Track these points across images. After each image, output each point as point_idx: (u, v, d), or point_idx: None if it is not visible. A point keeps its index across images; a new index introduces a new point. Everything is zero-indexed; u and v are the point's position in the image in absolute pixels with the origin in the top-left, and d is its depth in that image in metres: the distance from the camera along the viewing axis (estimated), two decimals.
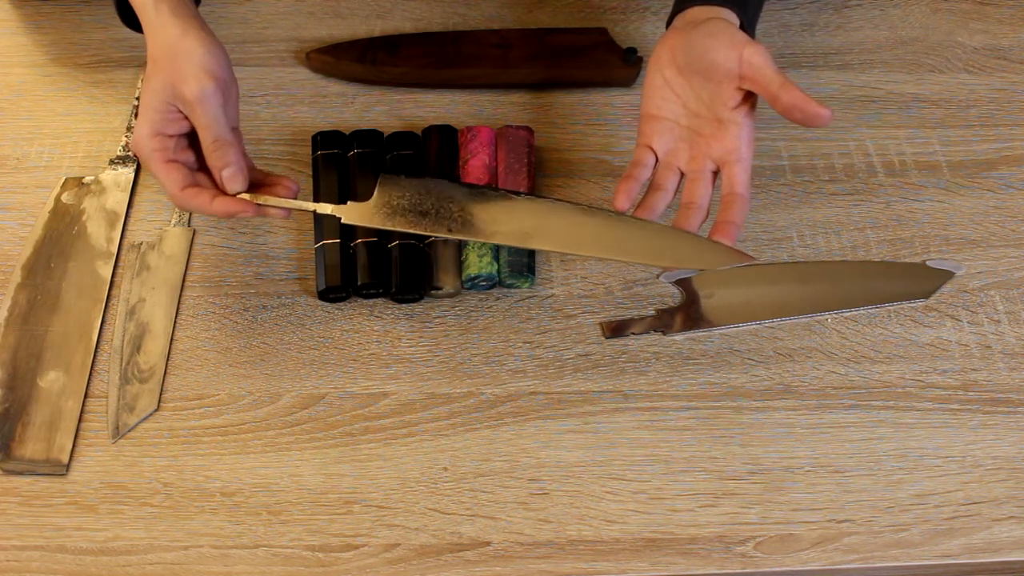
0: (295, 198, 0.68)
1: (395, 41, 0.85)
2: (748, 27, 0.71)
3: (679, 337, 0.73)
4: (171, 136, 0.66)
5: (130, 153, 0.79)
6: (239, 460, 0.66)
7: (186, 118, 0.66)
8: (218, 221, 0.76)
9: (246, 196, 0.66)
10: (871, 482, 0.67)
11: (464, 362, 0.71)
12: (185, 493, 0.65)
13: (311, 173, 0.78)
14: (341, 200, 0.75)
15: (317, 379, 0.70)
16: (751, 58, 0.66)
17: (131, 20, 0.73)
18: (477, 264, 0.72)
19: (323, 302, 0.73)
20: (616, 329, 0.72)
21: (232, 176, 0.65)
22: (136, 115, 0.81)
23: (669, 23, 0.73)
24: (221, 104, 0.65)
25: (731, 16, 0.70)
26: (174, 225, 0.76)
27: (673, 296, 0.74)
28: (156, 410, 0.68)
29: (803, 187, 0.80)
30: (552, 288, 0.74)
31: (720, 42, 0.67)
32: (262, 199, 0.66)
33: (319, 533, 0.64)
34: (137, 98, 0.82)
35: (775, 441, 0.68)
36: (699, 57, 0.67)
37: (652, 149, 0.70)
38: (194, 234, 0.76)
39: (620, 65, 0.84)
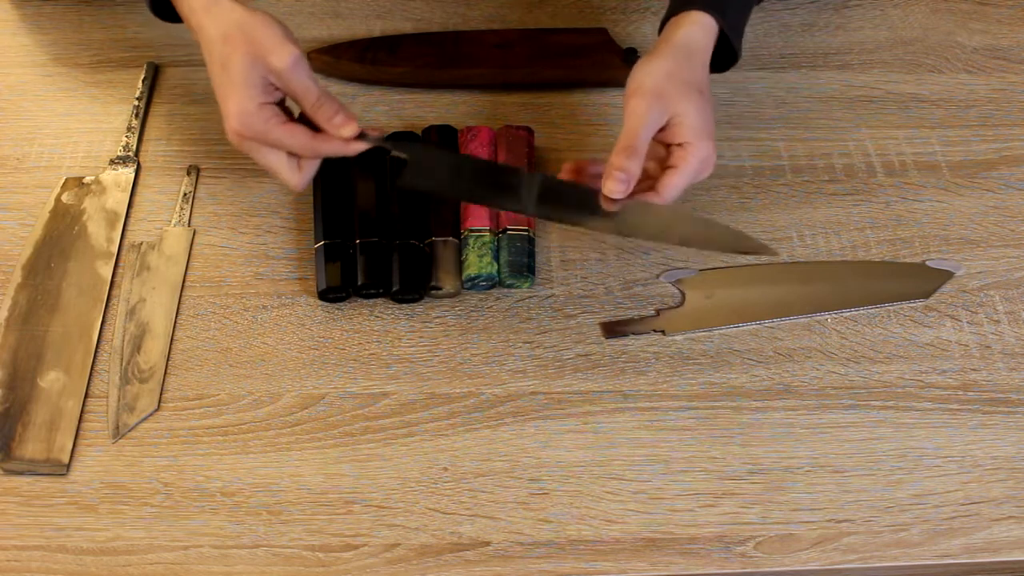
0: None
1: (395, 41, 0.85)
2: (731, 32, 0.72)
3: (679, 337, 0.73)
4: (273, 104, 0.67)
5: (130, 153, 0.79)
6: (239, 460, 0.66)
7: (277, 88, 0.67)
8: (219, 220, 0.76)
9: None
10: (871, 482, 0.67)
11: (464, 362, 0.71)
12: (185, 493, 0.65)
13: None
14: (341, 198, 0.75)
15: (317, 379, 0.70)
16: (626, 109, 0.68)
17: (162, 11, 0.73)
18: (477, 264, 0.72)
19: (323, 302, 0.73)
20: (616, 329, 0.73)
21: (344, 121, 0.68)
22: (137, 115, 0.81)
23: (662, 26, 0.73)
24: (308, 65, 0.67)
25: (704, 24, 0.71)
26: (174, 225, 0.76)
27: (673, 296, 0.74)
28: (156, 410, 0.68)
29: (803, 187, 0.80)
30: (552, 288, 0.74)
31: (629, 84, 0.69)
32: (373, 136, 0.69)
33: (319, 533, 0.64)
34: (138, 98, 0.82)
35: (775, 441, 0.68)
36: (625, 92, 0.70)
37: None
38: (194, 234, 0.76)
39: (620, 65, 0.84)
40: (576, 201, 0.69)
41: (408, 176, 0.70)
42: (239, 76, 0.66)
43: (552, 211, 0.70)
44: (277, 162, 0.69)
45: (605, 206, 0.68)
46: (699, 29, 0.71)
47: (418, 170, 0.69)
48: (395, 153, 0.70)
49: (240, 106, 0.66)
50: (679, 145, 0.69)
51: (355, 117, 0.68)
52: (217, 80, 0.67)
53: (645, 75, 0.69)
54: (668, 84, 0.68)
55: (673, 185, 0.69)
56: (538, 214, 0.71)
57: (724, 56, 0.74)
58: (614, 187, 0.67)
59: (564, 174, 0.72)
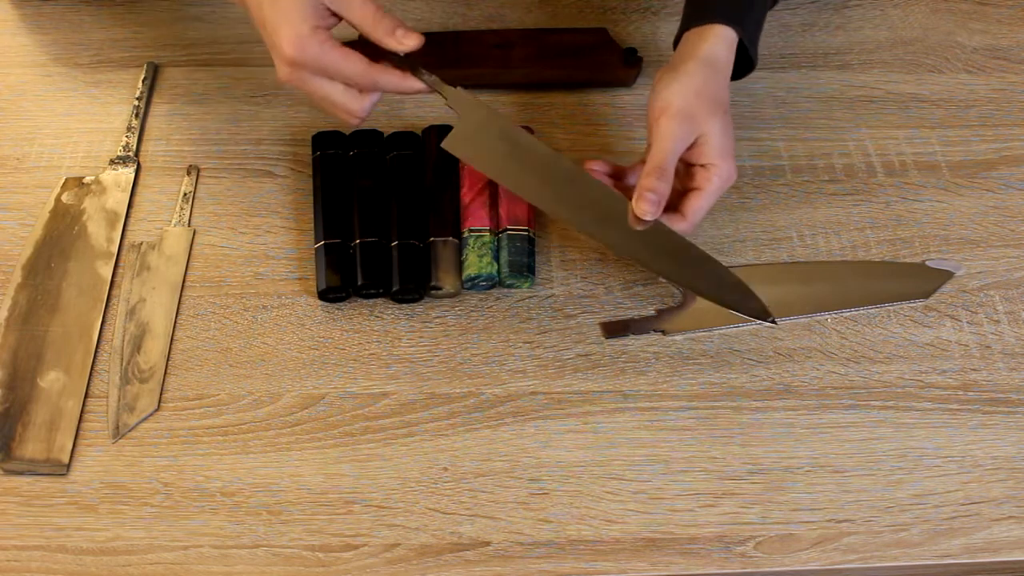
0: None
1: None
2: (749, 43, 0.72)
3: (679, 337, 0.73)
4: (327, 29, 0.66)
5: (130, 153, 0.79)
6: (239, 460, 0.66)
7: (332, 13, 0.66)
8: (219, 220, 0.76)
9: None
10: (871, 482, 0.67)
11: (464, 362, 0.71)
12: (185, 493, 0.65)
13: (311, 173, 0.78)
14: (341, 198, 0.75)
15: (317, 379, 0.70)
16: (654, 129, 0.68)
17: None
18: (477, 264, 0.72)
19: (323, 302, 0.73)
20: (616, 329, 0.73)
21: (406, 34, 0.66)
22: (137, 115, 0.81)
23: (678, 38, 0.73)
24: None
25: (726, 38, 0.70)
26: (174, 225, 0.76)
27: (673, 296, 0.74)
28: (156, 410, 0.68)
29: (803, 187, 0.80)
30: (552, 288, 0.74)
31: (655, 102, 0.69)
32: (427, 76, 0.68)
33: (319, 533, 0.64)
34: (138, 98, 0.82)
35: (775, 441, 0.68)
36: (648, 111, 0.70)
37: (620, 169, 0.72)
38: (194, 234, 0.76)
39: (620, 65, 0.84)
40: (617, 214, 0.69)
41: (457, 139, 0.69)
42: (290, 2, 0.65)
43: (595, 226, 0.69)
44: (333, 91, 0.67)
45: (634, 225, 0.68)
46: (722, 43, 0.70)
47: (469, 135, 0.69)
48: (449, 103, 0.69)
49: (295, 30, 0.65)
50: (702, 166, 0.69)
51: (419, 33, 0.67)
52: (267, 14, 0.65)
53: (674, 94, 0.68)
54: (697, 103, 0.68)
55: (699, 208, 0.69)
56: (584, 229, 0.71)
57: (738, 65, 0.74)
58: (647, 208, 0.67)
59: (595, 174, 0.71)
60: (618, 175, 0.73)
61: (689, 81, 0.69)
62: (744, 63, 0.74)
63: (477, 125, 0.70)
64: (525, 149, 0.71)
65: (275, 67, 0.67)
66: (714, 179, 0.69)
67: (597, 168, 0.72)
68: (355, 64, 0.66)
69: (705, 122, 0.68)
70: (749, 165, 0.81)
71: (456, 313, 0.73)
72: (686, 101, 0.68)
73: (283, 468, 0.66)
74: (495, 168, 0.70)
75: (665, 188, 0.67)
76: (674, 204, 0.70)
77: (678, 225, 0.69)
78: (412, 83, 0.68)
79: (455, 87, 0.70)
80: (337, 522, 0.64)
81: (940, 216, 0.79)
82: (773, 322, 0.70)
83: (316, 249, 0.73)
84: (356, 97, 0.68)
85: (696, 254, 0.70)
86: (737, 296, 0.69)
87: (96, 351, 0.70)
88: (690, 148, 0.69)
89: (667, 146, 0.67)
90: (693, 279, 0.70)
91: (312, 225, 0.75)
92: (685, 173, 0.71)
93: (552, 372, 0.71)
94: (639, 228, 0.68)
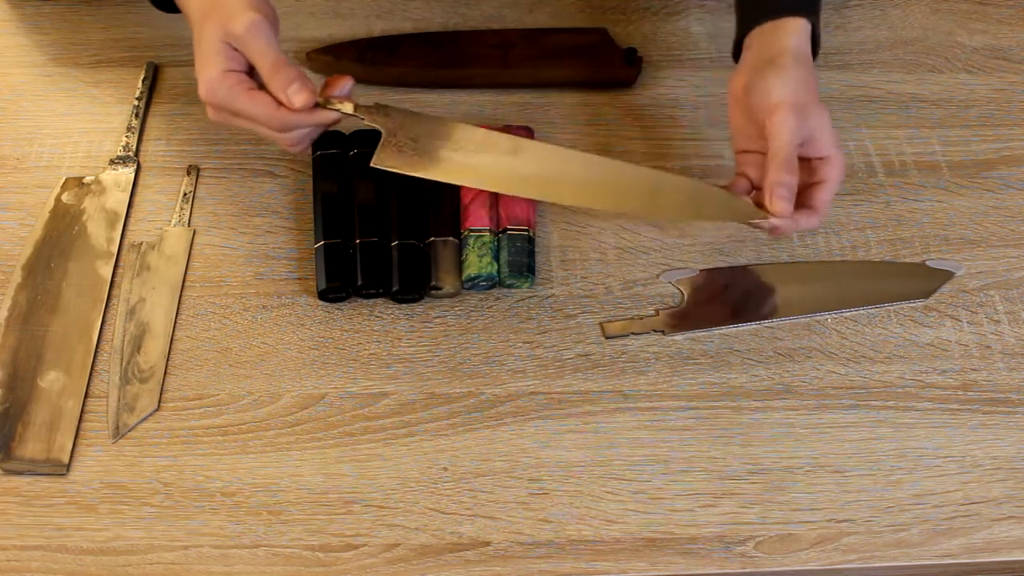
0: (350, 92, 0.70)
1: (395, 41, 0.85)
2: (816, 30, 0.72)
3: (679, 337, 0.73)
4: (239, 71, 0.67)
5: (130, 153, 0.79)
6: (239, 460, 0.66)
7: (243, 55, 0.67)
8: (219, 220, 0.76)
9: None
10: (871, 482, 0.67)
11: (464, 362, 0.71)
12: (185, 493, 0.65)
13: (311, 173, 0.77)
14: (341, 198, 0.75)
15: (317, 379, 0.70)
16: (771, 125, 0.68)
17: (163, 3, 0.74)
18: (477, 264, 0.72)
19: (323, 302, 0.73)
20: (616, 329, 0.73)
21: (298, 91, 0.66)
22: (137, 115, 0.81)
23: (745, 32, 0.73)
24: (270, 32, 0.66)
25: (805, 29, 0.70)
26: (174, 225, 0.76)
27: (673, 296, 0.74)
28: (156, 410, 0.68)
29: None
30: (552, 288, 0.74)
31: (766, 100, 0.69)
32: (339, 104, 0.68)
33: (319, 533, 0.64)
34: (138, 98, 0.82)
35: (775, 441, 0.68)
36: (755, 111, 0.70)
37: (747, 176, 0.71)
38: (194, 234, 0.76)
39: (620, 65, 0.84)
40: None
41: (386, 153, 0.69)
42: (207, 45, 0.66)
43: (550, 188, 0.70)
44: (256, 128, 0.68)
45: (773, 234, 0.70)
46: (803, 35, 0.71)
47: (397, 145, 0.69)
48: (367, 123, 0.69)
49: (206, 73, 0.66)
50: (820, 159, 0.69)
51: (313, 88, 0.67)
52: (196, 54, 0.67)
53: (784, 89, 0.68)
54: (806, 96, 0.69)
55: (827, 201, 0.70)
56: (548, 198, 0.71)
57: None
58: (782, 206, 0.67)
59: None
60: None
61: (794, 75, 0.69)
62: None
63: (402, 132, 0.70)
64: (459, 138, 0.71)
65: None
66: (835, 169, 0.69)
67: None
68: (263, 107, 0.67)
69: (816, 114, 0.69)
70: None
71: (456, 313, 0.73)
72: (797, 95, 0.68)
73: (283, 468, 0.66)
74: (435, 168, 0.70)
75: (794, 182, 0.67)
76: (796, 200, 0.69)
77: (809, 220, 0.69)
78: (323, 116, 0.68)
79: (370, 103, 0.71)
80: (337, 522, 0.64)
81: (940, 216, 0.79)
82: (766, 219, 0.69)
83: (316, 249, 0.73)
84: (281, 132, 0.69)
85: (663, 179, 0.70)
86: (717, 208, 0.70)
87: (96, 351, 0.70)
88: (803, 144, 0.69)
89: (788, 139, 0.67)
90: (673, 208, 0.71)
91: (312, 225, 0.75)
92: (802, 169, 0.70)
93: (552, 372, 0.71)
94: (776, 234, 0.69)
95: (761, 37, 0.72)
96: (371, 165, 0.70)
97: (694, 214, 0.72)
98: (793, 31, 0.70)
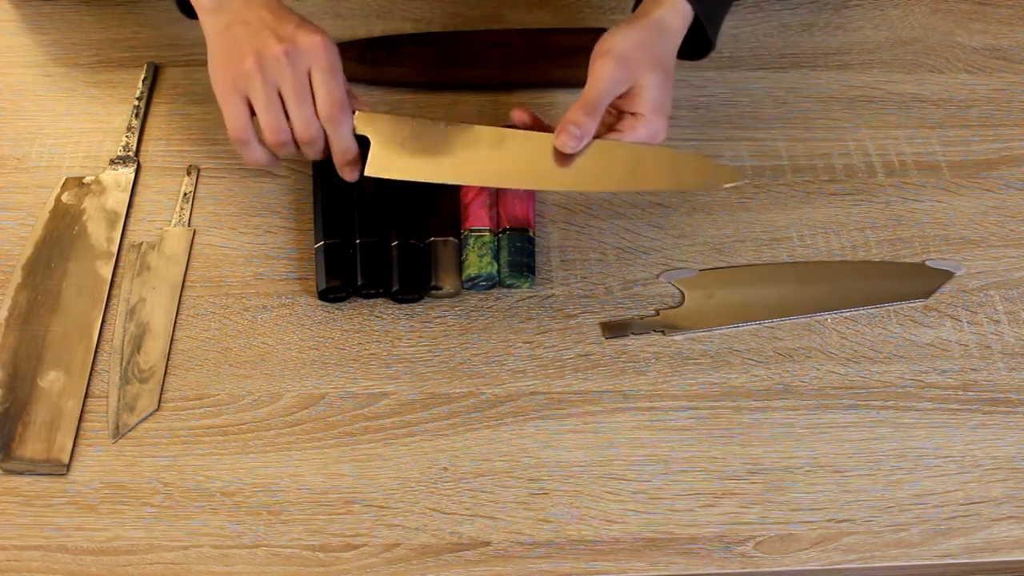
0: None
1: (395, 41, 0.85)
2: (707, 21, 0.72)
3: (679, 337, 0.73)
4: None
5: (130, 153, 0.79)
6: (239, 460, 0.66)
7: None
8: (219, 220, 0.76)
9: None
10: (870, 482, 0.67)
11: (464, 362, 0.71)
12: (185, 493, 0.65)
13: (311, 173, 0.78)
14: (341, 198, 0.75)
15: (317, 379, 0.70)
16: (591, 70, 0.69)
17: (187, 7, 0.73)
18: (477, 264, 0.72)
19: (323, 302, 0.73)
20: (616, 329, 0.73)
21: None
22: (137, 115, 0.81)
23: (638, 2, 0.75)
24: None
25: (681, 10, 0.71)
26: (174, 225, 0.76)
27: (673, 296, 0.74)
28: (156, 410, 0.68)
29: (803, 187, 0.80)
30: (552, 288, 0.75)
31: (599, 47, 0.70)
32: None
33: (319, 533, 0.64)
34: (138, 98, 0.82)
35: (775, 441, 0.68)
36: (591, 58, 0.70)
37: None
38: (194, 234, 0.76)
39: None
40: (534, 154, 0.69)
41: (377, 161, 0.69)
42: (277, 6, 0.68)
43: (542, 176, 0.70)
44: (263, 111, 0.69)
45: (558, 162, 0.69)
46: (676, 14, 0.71)
47: (387, 152, 0.69)
48: (357, 131, 0.70)
49: (314, 30, 0.68)
50: (632, 115, 0.70)
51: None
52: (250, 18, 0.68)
53: (616, 40, 0.69)
54: (637, 53, 0.69)
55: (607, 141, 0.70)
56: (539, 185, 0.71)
57: (699, 45, 0.74)
58: (567, 141, 0.68)
59: (516, 119, 0.72)
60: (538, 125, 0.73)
61: (634, 34, 0.70)
62: (704, 43, 0.74)
63: (389, 138, 0.70)
64: (444, 137, 0.71)
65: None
66: (640, 129, 0.70)
67: (523, 117, 0.72)
68: (340, 90, 0.68)
69: (643, 74, 0.69)
70: (749, 165, 0.81)
71: (456, 313, 0.73)
72: (627, 49, 0.69)
73: (283, 468, 0.66)
74: (424, 170, 0.70)
75: (591, 125, 0.68)
76: None
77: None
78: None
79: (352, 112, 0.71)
80: (337, 522, 0.65)
81: (940, 216, 0.79)
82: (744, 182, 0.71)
83: (316, 249, 0.73)
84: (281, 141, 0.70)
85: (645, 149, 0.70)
86: (699, 169, 0.71)
87: (96, 351, 0.70)
88: (623, 96, 0.70)
89: (600, 86, 0.68)
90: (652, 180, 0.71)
91: (312, 225, 0.75)
92: (615, 120, 0.71)
93: (552, 372, 0.71)
94: (561, 165, 0.69)
95: (643, 7, 0.73)
96: (364, 175, 0.70)
97: (676, 183, 0.72)
98: (668, 6, 0.71)
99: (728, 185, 0.71)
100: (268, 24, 0.67)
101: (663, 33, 0.71)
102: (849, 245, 0.77)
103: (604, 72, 0.68)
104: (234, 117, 0.68)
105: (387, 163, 0.70)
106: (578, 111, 0.68)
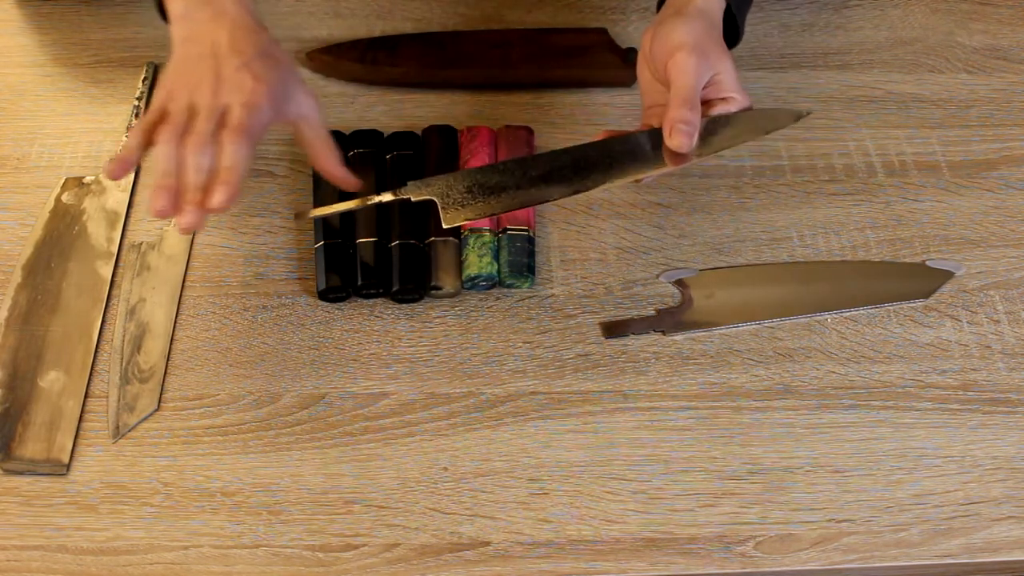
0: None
1: (395, 41, 0.85)
2: (736, 10, 0.72)
3: (679, 337, 0.73)
4: None
5: None
6: (239, 460, 0.66)
7: None
8: (219, 220, 0.76)
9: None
10: (870, 482, 0.67)
11: (464, 362, 0.71)
12: (185, 493, 0.65)
13: (311, 173, 0.78)
14: (342, 198, 0.75)
15: (317, 379, 0.70)
16: (672, 66, 0.68)
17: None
18: (477, 264, 0.72)
19: (323, 302, 0.73)
20: (616, 329, 0.73)
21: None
22: (137, 115, 0.81)
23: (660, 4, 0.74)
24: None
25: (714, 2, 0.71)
26: (174, 225, 0.76)
27: (673, 296, 0.74)
28: (156, 410, 0.68)
29: (803, 187, 0.80)
30: (552, 288, 0.75)
31: (665, 44, 0.69)
32: (378, 198, 0.70)
33: (319, 533, 0.64)
34: (138, 98, 0.82)
35: (775, 441, 0.68)
36: (656, 57, 0.70)
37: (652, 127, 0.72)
38: (194, 234, 0.76)
39: (620, 65, 0.84)
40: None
41: (449, 214, 0.69)
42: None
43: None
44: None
45: (672, 163, 0.69)
46: (713, 2, 0.71)
47: (453, 203, 0.69)
48: (417, 197, 0.69)
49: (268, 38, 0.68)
50: (723, 99, 0.70)
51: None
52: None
53: (686, 34, 0.69)
54: (708, 42, 0.69)
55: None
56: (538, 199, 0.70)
57: (726, 36, 0.74)
58: (682, 140, 0.67)
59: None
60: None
61: (697, 23, 0.70)
62: (731, 34, 0.74)
63: (450, 192, 0.70)
64: (492, 173, 0.70)
65: None
66: (734, 109, 0.70)
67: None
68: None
69: (719, 60, 0.69)
70: (749, 165, 0.81)
71: (456, 313, 0.73)
72: (698, 39, 0.69)
73: (283, 468, 0.66)
74: (491, 206, 0.69)
75: (696, 118, 0.68)
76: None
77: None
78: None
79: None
80: (337, 522, 0.65)
81: (940, 216, 0.79)
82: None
83: (316, 249, 0.73)
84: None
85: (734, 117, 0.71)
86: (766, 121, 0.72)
87: (96, 351, 0.70)
88: (707, 87, 0.69)
89: (690, 80, 0.68)
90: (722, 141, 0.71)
91: (312, 225, 0.75)
92: (705, 110, 0.70)
93: (552, 372, 0.71)
94: (678, 165, 0.69)
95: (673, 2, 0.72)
96: (444, 227, 0.69)
97: (656, 166, 0.71)
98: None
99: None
100: (218, 53, 0.65)
101: (711, 20, 0.71)
102: (849, 245, 0.77)
103: (688, 65, 0.68)
104: (146, 123, 0.65)
105: (460, 215, 0.69)
106: (682, 108, 0.67)
